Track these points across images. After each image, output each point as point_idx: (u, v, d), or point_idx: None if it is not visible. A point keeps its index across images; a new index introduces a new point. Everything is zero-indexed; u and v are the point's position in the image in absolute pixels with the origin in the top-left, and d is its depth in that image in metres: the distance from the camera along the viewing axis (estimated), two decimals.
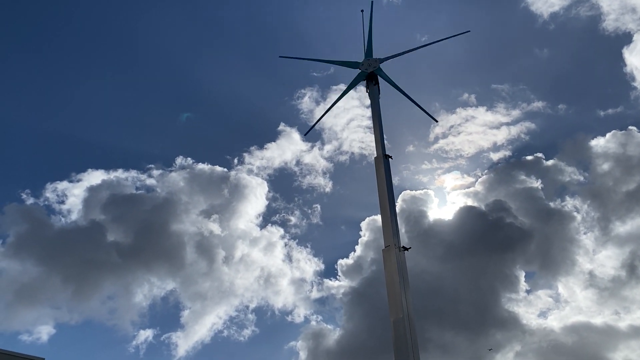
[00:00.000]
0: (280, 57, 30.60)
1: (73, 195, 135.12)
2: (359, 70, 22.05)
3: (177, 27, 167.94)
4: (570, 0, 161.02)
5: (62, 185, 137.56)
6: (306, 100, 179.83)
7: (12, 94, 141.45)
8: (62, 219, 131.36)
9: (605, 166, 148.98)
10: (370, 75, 21.70)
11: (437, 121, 27.24)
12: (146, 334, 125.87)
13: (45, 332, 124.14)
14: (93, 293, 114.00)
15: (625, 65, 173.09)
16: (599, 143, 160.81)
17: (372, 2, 24.28)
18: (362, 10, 23.22)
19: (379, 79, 21.55)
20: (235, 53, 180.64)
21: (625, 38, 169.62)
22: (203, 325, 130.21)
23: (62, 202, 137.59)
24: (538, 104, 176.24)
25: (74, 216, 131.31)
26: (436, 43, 26.58)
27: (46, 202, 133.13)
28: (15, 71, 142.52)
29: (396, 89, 21.95)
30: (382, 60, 21.62)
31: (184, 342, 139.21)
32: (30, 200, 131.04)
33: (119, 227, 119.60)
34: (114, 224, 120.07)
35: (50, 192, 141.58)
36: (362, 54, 22.22)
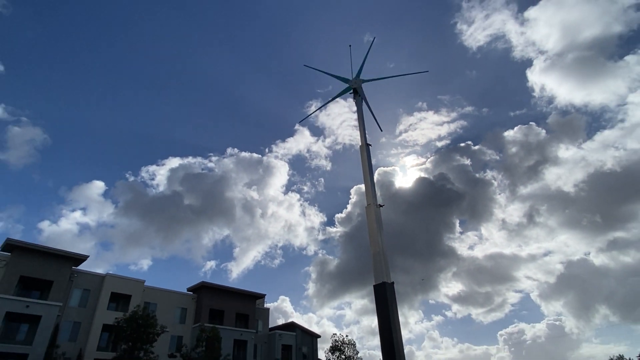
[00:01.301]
0: (304, 65, 35.02)
1: (160, 174, 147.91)
2: (347, 85, 27.03)
3: (226, 60, 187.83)
4: (490, 37, 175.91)
5: (152, 167, 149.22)
6: (312, 109, 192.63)
7: (122, 108, 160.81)
8: (154, 190, 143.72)
9: (514, 149, 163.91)
10: (355, 90, 26.63)
11: (382, 130, 32.38)
12: (211, 264, 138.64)
13: (145, 263, 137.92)
14: (176, 238, 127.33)
15: (527, 81, 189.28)
16: (509, 134, 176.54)
17: (350, 46, 29.27)
18: (349, 45, 28.23)
19: (362, 91, 26.57)
20: (266, 77, 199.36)
21: (528, 63, 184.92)
22: (248, 257, 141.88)
23: (153, 179, 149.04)
24: (469, 108, 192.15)
25: (161, 188, 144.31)
26: (401, 76, 32.12)
27: (142, 180, 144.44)
28: (122, 91, 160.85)
29: (365, 104, 26.88)
30: (363, 82, 26.49)
31: (236, 268, 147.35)
32: (131, 178, 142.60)
33: (192, 195, 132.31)
34: (188, 193, 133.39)
35: (144, 173, 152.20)
36: (350, 72, 27.21)
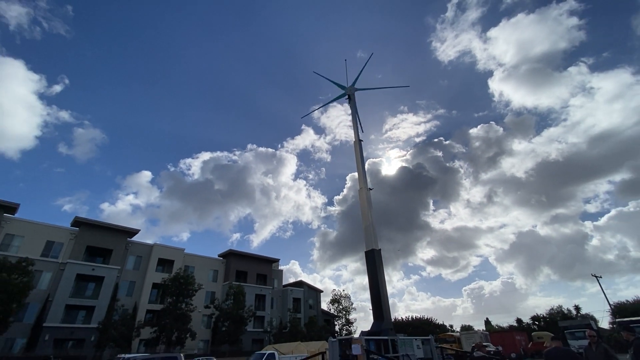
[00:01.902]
0: (313, 72, 32.04)
1: (194, 165, 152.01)
2: (344, 92, 27.76)
3: (247, 74, 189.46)
4: (459, 53, 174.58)
5: (188, 160, 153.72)
6: (316, 112, 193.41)
7: (164, 112, 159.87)
8: (190, 178, 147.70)
9: (477, 143, 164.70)
10: (349, 96, 27.35)
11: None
12: (236, 235, 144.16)
13: (185, 236, 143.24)
14: (208, 215, 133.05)
15: (489, 88, 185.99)
16: (474, 131, 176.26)
17: (345, 60, 29.61)
18: (345, 60, 28.83)
19: (356, 93, 27.27)
20: (279, 87, 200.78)
21: (489, 74, 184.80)
22: (266, 230, 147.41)
23: (189, 169, 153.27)
24: (441, 111, 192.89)
25: (196, 176, 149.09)
26: (386, 88, 31.81)
27: (180, 170, 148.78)
28: (164, 99, 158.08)
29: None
30: (356, 90, 27.13)
31: (256, 239, 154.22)
32: (172, 169, 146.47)
33: (220, 182, 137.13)
34: (218, 180, 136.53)
35: (182, 164, 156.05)
36: (346, 82, 27.77)
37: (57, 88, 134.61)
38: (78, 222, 35.86)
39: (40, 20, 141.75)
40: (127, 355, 18.29)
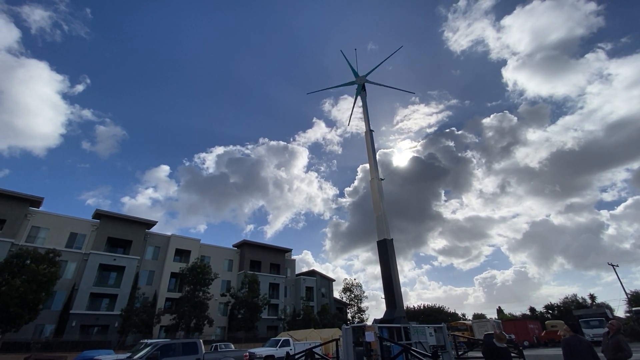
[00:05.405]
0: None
1: (209, 159, 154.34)
2: (354, 80, 27.33)
3: (259, 70, 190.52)
4: (472, 42, 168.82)
5: (203, 154, 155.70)
6: (327, 105, 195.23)
7: (180, 109, 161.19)
8: (205, 172, 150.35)
9: (490, 133, 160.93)
10: (362, 86, 26.93)
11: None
12: (250, 227, 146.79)
13: (202, 227, 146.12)
14: (225, 208, 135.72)
15: (502, 77, 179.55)
16: (486, 120, 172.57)
17: (355, 49, 29.04)
18: (355, 49, 28.33)
19: (366, 86, 26.83)
20: (290, 82, 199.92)
21: (503, 63, 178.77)
22: (279, 222, 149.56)
23: (204, 163, 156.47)
24: (453, 101, 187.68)
25: (211, 170, 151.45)
26: (394, 88, 30.64)
27: (196, 164, 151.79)
28: (179, 97, 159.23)
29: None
30: (366, 80, 26.68)
31: (270, 230, 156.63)
32: (188, 163, 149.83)
33: (235, 175, 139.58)
34: (232, 173, 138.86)
35: (197, 159, 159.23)
36: (358, 70, 27.35)
37: (80, 88, 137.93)
38: (99, 215, 36.84)
39: (61, 23, 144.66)
40: (149, 341, 18.99)
